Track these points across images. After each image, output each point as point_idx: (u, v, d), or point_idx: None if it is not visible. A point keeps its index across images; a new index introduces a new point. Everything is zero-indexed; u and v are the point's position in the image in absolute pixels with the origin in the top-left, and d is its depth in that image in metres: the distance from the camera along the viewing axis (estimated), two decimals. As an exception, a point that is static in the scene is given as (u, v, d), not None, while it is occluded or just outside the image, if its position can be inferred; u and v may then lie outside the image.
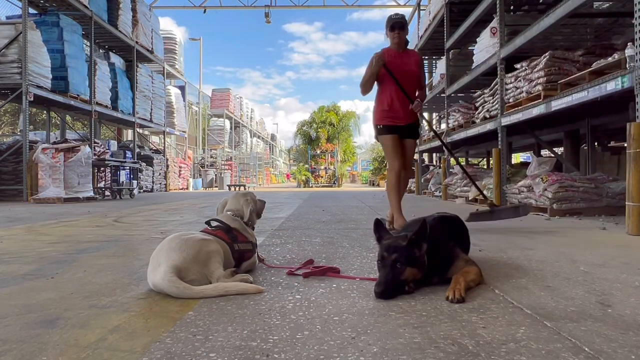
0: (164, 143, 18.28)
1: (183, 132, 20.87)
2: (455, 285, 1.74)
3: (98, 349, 1.24)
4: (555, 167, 6.67)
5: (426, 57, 15.82)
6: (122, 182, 12.07)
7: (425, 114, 17.31)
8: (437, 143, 11.42)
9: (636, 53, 3.81)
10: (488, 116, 7.88)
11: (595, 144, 8.97)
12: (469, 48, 10.95)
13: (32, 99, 9.11)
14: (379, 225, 1.95)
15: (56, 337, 1.34)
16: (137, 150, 15.07)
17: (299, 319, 1.51)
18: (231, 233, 2.16)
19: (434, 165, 16.91)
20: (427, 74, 16.65)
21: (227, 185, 22.56)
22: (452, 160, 9.83)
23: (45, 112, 13.07)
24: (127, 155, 14.11)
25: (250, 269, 2.24)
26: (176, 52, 19.82)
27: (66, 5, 10.93)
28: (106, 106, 12.35)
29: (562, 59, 5.94)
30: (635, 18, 3.77)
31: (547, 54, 5.97)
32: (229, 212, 2.31)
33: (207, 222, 2.23)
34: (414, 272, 1.80)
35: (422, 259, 1.83)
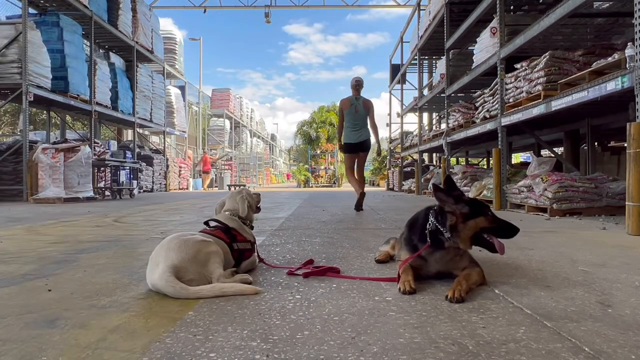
0: (164, 143, 18.27)
1: (183, 132, 20.86)
2: (457, 286, 1.74)
3: (98, 349, 1.24)
4: (555, 167, 6.67)
5: (426, 57, 15.84)
6: (122, 182, 12.07)
7: (425, 114, 17.36)
8: (436, 143, 11.43)
9: (636, 53, 3.81)
10: (488, 116, 7.88)
11: (595, 144, 8.97)
12: (469, 48, 10.96)
13: (32, 99, 9.11)
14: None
15: (56, 337, 1.34)
16: (137, 150, 15.06)
17: (299, 319, 1.50)
18: (230, 233, 2.17)
19: (434, 165, 16.91)
20: (427, 74, 16.69)
21: (227, 185, 22.55)
22: (452, 160, 9.92)
23: (45, 112, 13.07)
24: (127, 155, 14.10)
25: (250, 269, 2.25)
26: (176, 52, 19.80)
27: (66, 5, 10.92)
28: (106, 106, 12.34)
29: (562, 59, 5.94)
30: (635, 18, 3.77)
31: (547, 54, 5.97)
32: (227, 212, 2.31)
33: (206, 223, 2.23)
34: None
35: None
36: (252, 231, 2.38)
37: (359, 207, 6.37)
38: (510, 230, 1.92)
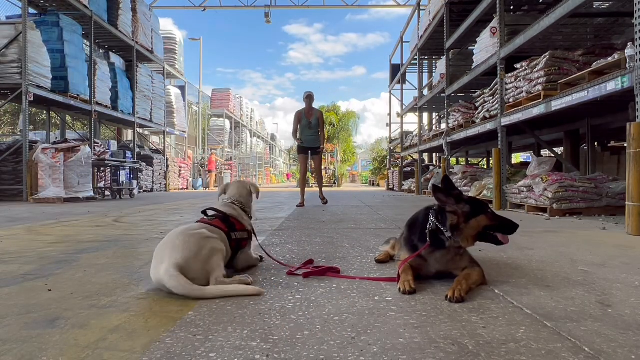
0: (164, 143, 18.26)
1: (183, 132, 20.85)
2: (457, 286, 1.74)
3: (98, 349, 1.24)
4: (555, 167, 6.67)
5: (426, 57, 15.84)
6: (122, 182, 12.06)
7: (425, 114, 17.36)
8: (436, 143, 11.44)
9: (636, 53, 3.81)
10: (488, 116, 7.88)
11: (595, 144, 8.97)
12: (469, 48, 10.96)
13: (32, 99, 9.10)
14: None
15: (56, 337, 1.34)
16: (137, 150, 15.05)
17: (299, 319, 1.51)
18: (228, 221, 2.17)
19: (434, 165, 16.91)
20: (427, 74, 16.70)
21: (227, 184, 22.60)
22: (452, 160, 10.02)
23: (45, 112, 13.07)
24: (127, 155, 14.10)
25: (248, 266, 2.26)
26: (176, 52, 19.79)
27: (66, 5, 10.92)
28: (106, 106, 12.34)
29: (562, 59, 5.94)
30: (635, 18, 3.77)
31: (547, 54, 5.97)
32: (229, 200, 2.33)
33: (204, 212, 2.23)
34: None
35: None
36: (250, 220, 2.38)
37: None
38: (510, 227, 1.93)
